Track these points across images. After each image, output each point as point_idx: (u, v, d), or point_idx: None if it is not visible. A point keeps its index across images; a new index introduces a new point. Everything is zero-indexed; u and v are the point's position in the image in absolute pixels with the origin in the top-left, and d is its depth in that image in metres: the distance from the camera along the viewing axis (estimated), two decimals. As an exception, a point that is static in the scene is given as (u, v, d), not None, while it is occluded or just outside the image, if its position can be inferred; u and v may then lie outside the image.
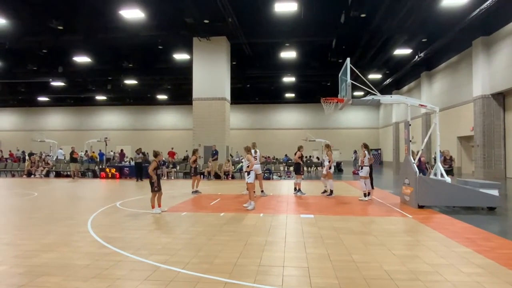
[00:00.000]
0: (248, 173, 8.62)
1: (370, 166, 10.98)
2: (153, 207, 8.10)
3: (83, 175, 20.41)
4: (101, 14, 17.88)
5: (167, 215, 7.78)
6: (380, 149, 37.37)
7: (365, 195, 10.15)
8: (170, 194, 11.61)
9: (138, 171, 17.10)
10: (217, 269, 4.24)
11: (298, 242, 5.47)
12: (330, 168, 11.10)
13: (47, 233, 6.12)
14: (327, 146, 11.47)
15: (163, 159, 20.06)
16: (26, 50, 23.21)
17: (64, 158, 24.43)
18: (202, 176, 17.85)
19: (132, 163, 22.25)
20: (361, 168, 10.42)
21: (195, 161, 11.93)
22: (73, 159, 19.07)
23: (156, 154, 8.33)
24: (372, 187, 11.93)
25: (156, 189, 8.08)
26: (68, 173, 19.25)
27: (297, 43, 21.76)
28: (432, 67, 25.41)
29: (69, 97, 37.45)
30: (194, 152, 12.12)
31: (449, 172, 11.22)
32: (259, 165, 11.26)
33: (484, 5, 14.11)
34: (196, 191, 11.71)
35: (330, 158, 11.20)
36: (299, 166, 11.49)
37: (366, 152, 10.33)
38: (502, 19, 16.91)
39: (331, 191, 11.10)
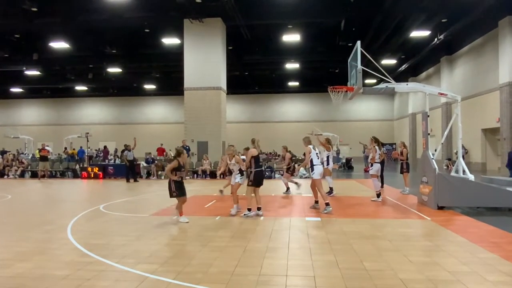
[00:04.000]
0: (241, 173, 8.46)
1: (381, 163, 11.03)
2: (181, 214, 7.60)
3: (62, 174, 20.43)
4: (80, -7, 17.79)
5: (156, 219, 7.78)
6: (395, 143, 37.33)
7: (378, 195, 10.17)
8: (162, 195, 11.62)
9: (131, 170, 17.07)
10: (212, 279, 4.24)
11: (303, 248, 5.47)
12: (328, 164, 10.97)
13: (22, 240, 6.12)
14: (327, 140, 11.33)
15: (152, 156, 20.10)
16: (-4, 35, 23.11)
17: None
18: (195, 175, 17.91)
19: (118, 161, 22.26)
20: (371, 165, 10.44)
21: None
22: (42, 158, 19.06)
23: (179, 153, 7.75)
24: (382, 186, 12.01)
25: (175, 194, 7.50)
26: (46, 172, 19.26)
27: (301, 25, 21.63)
28: (453, 51, 25.30)
29: (46, 87, 37.34)
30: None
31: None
32: None
33: (512, -20, 14.03)
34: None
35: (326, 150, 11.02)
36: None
37: (377, 147, 10.36)
38: (532, -4, 16.81)
39: (331, 189, 11.24)
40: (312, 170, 8.82)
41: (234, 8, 17.72)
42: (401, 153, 12.04)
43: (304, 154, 12.16)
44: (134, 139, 17.42)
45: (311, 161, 8.78)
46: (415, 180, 11.02)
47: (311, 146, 8.91)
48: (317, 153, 8.85)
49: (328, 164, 11.06)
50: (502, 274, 4.34)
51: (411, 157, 32.39)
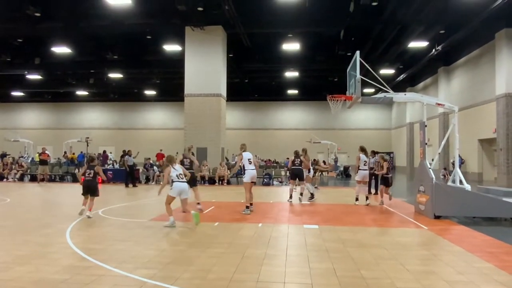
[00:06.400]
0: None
1: (372, 170, 11.96)
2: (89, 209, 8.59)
3: (62, 179, 20.37)
4: (83, -1, 17.88)
5: (155, 225, 7.76)
6: (392, 152, 37.39)
7: (366, 198, 10.90)
8: (161, 200, 11.57)
9: (130, 175, 17.03)
10: (211, 285, 4.23)
11: (301, 256, 5.47)
12: (309, 172, 12.26)
13: (21, 243, 6.10)
14: (304, 150, 12.00)
15: (151, 161, 20.07)
16: (-1, 39, 23.18)
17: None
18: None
19: (116, 166, 22.21)
20: (357, 172, 11.11)
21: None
22: (41, 161, 19.05)
23: (92, 159, 9.07)
24: (376, 192, 12.46)
25: (97, 194, 8.81)
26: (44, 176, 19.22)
27: (301, 34, 21.76)
28: (450, 62, 25.47)
29: (47, 92, 37.36)
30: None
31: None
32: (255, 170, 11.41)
33: (509, -6, 14.16)
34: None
35: (306, 165, 11.83)
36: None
37: (362, 155, 10.92)
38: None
39: (312, 194, 11.85)
40: (244, 173, 9.58)
41: (235, 16, 17.84)
42: (382, 167, 12.16)
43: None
44: (137, 153, 18.25)
45: (244, 166, 9.58)
46: (413, 189, 11.05)
47: (244, 153, 9.62)
48: (249, 159, 9.47)
49: (308, 172, 12.16)
50: (498, 284, 4.34)
51: (408, 166, 32.46)
